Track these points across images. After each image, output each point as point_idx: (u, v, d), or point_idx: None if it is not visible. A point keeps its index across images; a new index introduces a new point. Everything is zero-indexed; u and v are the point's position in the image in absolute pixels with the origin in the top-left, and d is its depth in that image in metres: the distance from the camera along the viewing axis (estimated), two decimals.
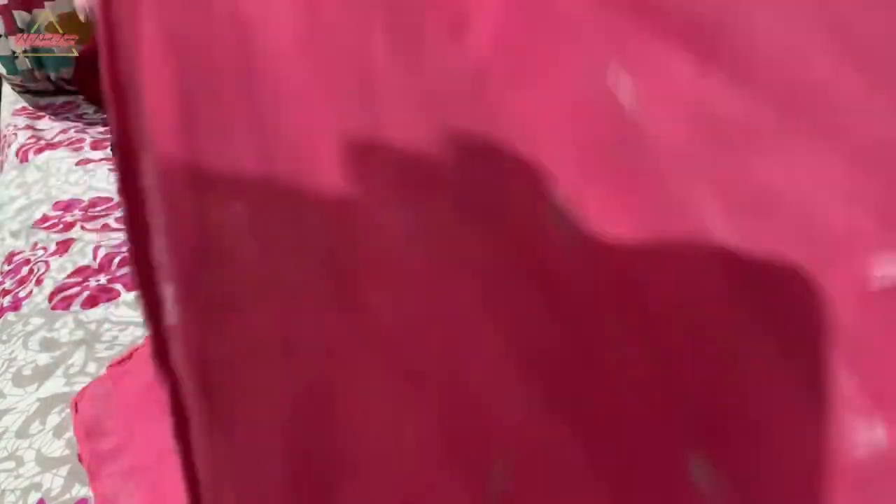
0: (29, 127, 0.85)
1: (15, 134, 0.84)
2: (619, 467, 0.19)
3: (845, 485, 0.18)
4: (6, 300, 0.55)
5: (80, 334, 0.48)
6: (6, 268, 0.60)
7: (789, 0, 0.20)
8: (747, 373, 0.19)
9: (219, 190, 0.22)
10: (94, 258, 0.57)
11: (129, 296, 0.52)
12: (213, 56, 0.23)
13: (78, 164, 0.74)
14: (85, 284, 0.54)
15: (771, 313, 0.19)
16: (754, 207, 0.19)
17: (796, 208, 0.19)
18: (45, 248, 0.60)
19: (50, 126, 0.85)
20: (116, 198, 0.68)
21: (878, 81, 0.20)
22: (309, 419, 0.21)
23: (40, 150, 0.78)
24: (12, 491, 0.38)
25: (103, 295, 0.53)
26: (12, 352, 0.48)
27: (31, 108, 0.92)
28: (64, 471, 0.39)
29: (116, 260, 0.56)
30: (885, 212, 0.19)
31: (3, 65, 0.91)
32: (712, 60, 0.20)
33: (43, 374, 0.45)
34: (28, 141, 0.81)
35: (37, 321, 0.50)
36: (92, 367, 0.45)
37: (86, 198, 0.68)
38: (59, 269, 0.56)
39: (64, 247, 0.59)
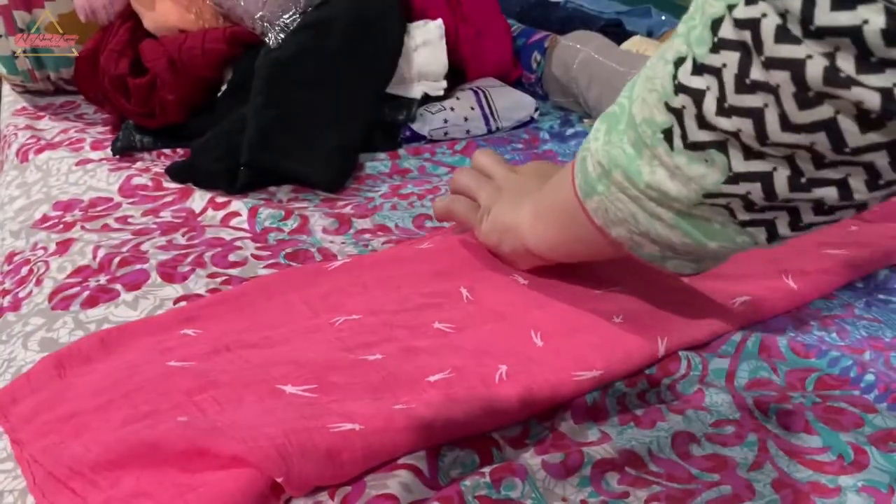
0: (29, 127, 0.85)
1: (15, 134, 0.83)
2: None
3: None
4: (6, 300, 0.55)
5: (79, 335, 0.48)
6: (6, 268, 0.59)
7: None
8: None
9: None
10: (94, 258, 0.57)
11: (129, 296, 0.52)
12: None
13: (78, 164, 0.74)
14: (85, 285, 0.54)
15: None
16: None
17: None
18: (44, 248, 0.59)
19: (50, 126, 0.85)
20: (116, 198, 0.68)
21: None
22: None
23: (40, 150, 0.78)
24: (10, 492, 0.37)
25: (103, 295, 0.52)
26: (12, 352, 0.48)
27: (31, 108, 0.91)
28: None
29: (116, 260, 0.56)
30: None
31: (3, 65, 0.91)
32: None
33: None
34: (28, 141, 0.81)
35: (36, 321, 0.50)
36: None
37: (86, 198, 0.68)
38: (58, 270, 0.56)
39: (64, 247, 0.59)
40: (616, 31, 1.00)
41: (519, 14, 1.12)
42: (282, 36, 0.77)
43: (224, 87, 0.80)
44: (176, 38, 0.79)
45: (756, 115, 0.28)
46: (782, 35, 0.26)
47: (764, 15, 0.26)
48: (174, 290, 0.53)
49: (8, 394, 0.42)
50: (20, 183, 0.73)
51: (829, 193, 0.29)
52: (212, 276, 0.54)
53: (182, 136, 0.79)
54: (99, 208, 0.66)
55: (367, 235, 0.61)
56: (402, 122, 0.80)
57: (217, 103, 0.79)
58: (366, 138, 0.77)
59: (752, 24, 0.26)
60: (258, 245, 0.59)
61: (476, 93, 0.84)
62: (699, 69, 0.29)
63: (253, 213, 0.64)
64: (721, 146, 0.30)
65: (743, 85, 0.27)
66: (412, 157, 0.77)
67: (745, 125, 0.28)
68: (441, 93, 0.82)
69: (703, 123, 0.30)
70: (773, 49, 0.26)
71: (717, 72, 0.28)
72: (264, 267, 0.56)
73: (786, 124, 0.27)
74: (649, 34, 1.04)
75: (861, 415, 0.40)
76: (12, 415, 0.41)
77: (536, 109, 0.87)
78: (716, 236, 0.34)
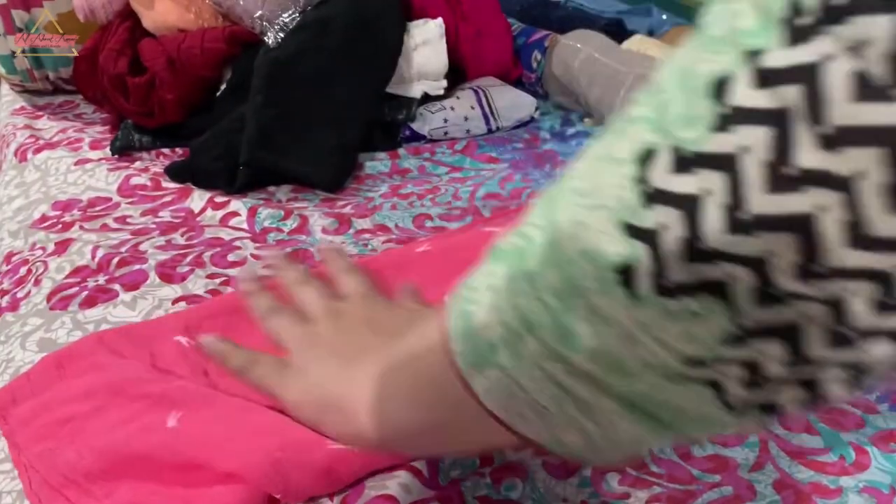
0: (27, 126, 0.85)
1: (14, 133, 0.83)
2: None
3: None
4: (4, 300, 0.55)
5: (78, 335, 0.48)
6: (4, 268, 0.59)
7: None
8: None
9: None
10: (93, 258, 0.57)
11: (128, 296, 0.52)
12: None
13: (77, 163, 0.74)
14: (83, 285, 0.54)
15: None
16: None
17: None
18: (43, 249, 0.59)
19: (48, 126, 0.85)
20: (115, 198, 0.67)
21: None
22: None
23: (39, 150, 0.77)
24: (9, 493, 0.37)
25: (102, 295, 0.52)
26: (10, 352, 0.48)
27: (29, 107, 0.91)
28: None
29: (115, 260, 0.56)
30: None
31: (2, 64, 0.91)
32: None
33: None
34: (27, 140, 0.81)
35: (35, 321, 0.50)
36: None
37: (84, 198, 0.68)
38: (57, 270, 0.56)
39: (62, 247, 0.59)
40: (617, 31, 1.00)
41: (519, 13, 1.12)
42: (281, 35, 0.77)
43: (223, 87, 0.80)
44: (175, 38, 0.79)
45: (804, 228, 0.17)
46: (864, 88, 0.15)
47: (827, 57, 0.16)
48: (173, 291, 0.52)
49: (8, 393, 0.42)
50: (19, 183, 0.73)
51: (881, 351, 0.18)
52: (211, 276, 0.54)
53: (181, 135, 0.78)
54: (98, 208, 0.66)
55: (367, 235, 0.61)
56: (401, 121, 0.79)
57: (216, 103, 0.79)
58: (366, 138, 0.77)
59: (805, 74, 0.16)
60: (257, 245, 0.59)
61: (476, 92, 0.84)
62: (689, 163, 0.18)
63: (252, 212, 0.64)
64: (722, 289, 0.18)
65: (780, 179, 0.17)
66: (412, 157, 0.77)
67: (783, 245, 0.17)
68: (441, 92, 0.82)
69: (695, 251, 0.18)
70: (846, 112, 0.15)
71: (726, 162, 0.17)
72: (264, 267, 0.55)
73: (859, 239, 0.16)
74: (650, 33, 1.03)
75: (862, 415, 0.40)
76: (11, 416, 0.41)
77: (537, 109, 0.87)
78: (682, 426, 0.22)
